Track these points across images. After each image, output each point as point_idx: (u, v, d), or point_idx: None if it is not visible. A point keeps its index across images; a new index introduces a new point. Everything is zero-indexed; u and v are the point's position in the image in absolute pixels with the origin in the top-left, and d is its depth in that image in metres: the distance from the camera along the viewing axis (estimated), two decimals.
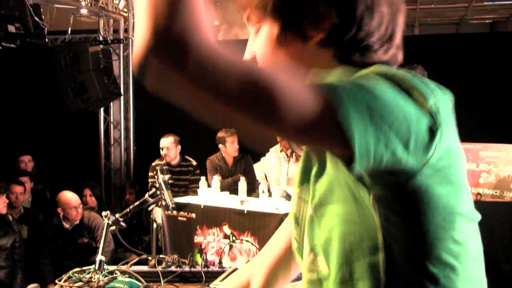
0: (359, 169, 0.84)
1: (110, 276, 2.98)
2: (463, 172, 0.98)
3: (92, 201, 7.31)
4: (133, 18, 9.30)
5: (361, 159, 0.82)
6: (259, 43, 1.10)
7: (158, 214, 6.48)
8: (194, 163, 7.19)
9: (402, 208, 0.93)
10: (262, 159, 7.20)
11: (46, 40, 7.27)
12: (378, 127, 0.82)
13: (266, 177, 7.05)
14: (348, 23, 1.02)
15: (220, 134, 7.02)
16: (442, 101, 0.90)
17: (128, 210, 3.51)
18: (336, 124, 0.80)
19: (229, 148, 6.99)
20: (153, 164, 7.09)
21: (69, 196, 6.04)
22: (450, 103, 0.93)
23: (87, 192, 7.32)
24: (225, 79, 0.75)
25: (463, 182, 0.98)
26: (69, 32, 8.33)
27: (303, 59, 1.06)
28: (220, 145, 7.03)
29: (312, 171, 1.11)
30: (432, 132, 0.87)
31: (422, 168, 0.89)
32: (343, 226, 1.01)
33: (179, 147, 7.10)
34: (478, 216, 1.04)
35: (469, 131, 6.75)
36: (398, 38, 1.09)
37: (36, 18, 6.88)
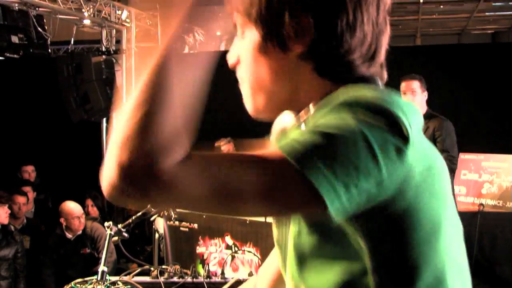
0: (339, 218, 0.85)
1: (112, 286, 2.98)
2: (447, 183, 0.99)
3: (94, 211, 7.30)
4: (136, 29, 9.33)
5: (336, 212, 0.83)
6: (243, 46, 1.10)
7: (160, 224, 6.46)
8: None
9: (389, 231, 0.93)
10: None
11: (49, 50, 7.30)
12: (345, 176, 0.82)
13: None
14: (327, 38, 1.02)
15: (216, 144, 7.04)
16: (412, 118, 0.90)
17: (131, 220, 3.51)
18: (304, 188, 0.82)
19: None
20: None
21: (72, 206, 6.04)
22: (420, 118, 0.94)
23: (89, 202, 7.31)
24: (196, 198, 0.82)
25: (446, 192, 0.99)
26: (72, 42, 8.37)
27: (283, 69, 1.06)
28: None
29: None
30: (404, 151, 0.87)
31: (402, 190, 0.89)
32: (327, 253, 1.00)
33: None
34: (461, 227, 1.05)
35: (472, 142, 6.75)
36: (381, 57, 1.09)
37: (39, 28, 6.91)
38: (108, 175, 0.78)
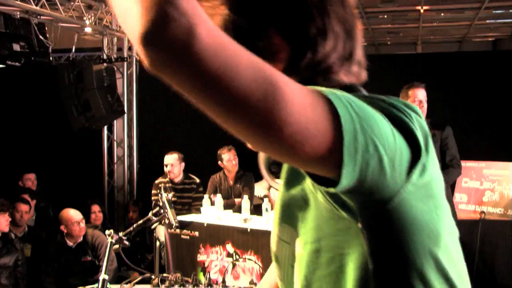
0: (346, 179, 0.82)
1: None
2: (442, 186, 0.99)
3: (99, 218, 7.31)
4: None
5: (349, 160, 0.81)
6: None
7: (161, 232, 6.46)
8: (198, 180, 7.19)
9: (389, 229, 0.93)
10: None
11: (51, 58, 7.32)
12: (367, 134, 0.82)
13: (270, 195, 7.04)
14: (302, 50, 1.02)
15: (218, 152, 7.05)
16: (418, 120, 0.92)
17: (132, 228, 3.51)
18: (329, 125, 0.80)
19: (226, 165, 7.01)
20: (156, 182, 7.08)
21: (71, 212, 6.04)
22: (424, 120, 0.94)
23: (96, 208, 7.30)
24: (235, 68, 0.73)
25: (442, 195, 0.99)
26: (73, 50, 8.38)
27: None
28: (219, 162, 7.06)
29: (294, 211, 1.09)
30: (414, 152, 0.89)
31: (406, 185, 0.90)
32: (335, 261, 1.00)
33: (183, 164, 7.11)
34: (457, 232, 1.05)
35: (473, 150, 6.76)
36: (358, 55, 1.08)
37: (40, 36, 6.93)
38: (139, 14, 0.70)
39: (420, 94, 5.29)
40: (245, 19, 1.02)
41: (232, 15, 1.02)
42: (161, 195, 3.95)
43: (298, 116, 0.77)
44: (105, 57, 8.83)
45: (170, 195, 4.02)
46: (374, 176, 0.85)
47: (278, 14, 1.02)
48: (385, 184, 0.87)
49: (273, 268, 1.52)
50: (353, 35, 1.07)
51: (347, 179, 0.82)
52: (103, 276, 3.04)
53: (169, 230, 6.19)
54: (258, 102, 0.74)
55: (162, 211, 3.81)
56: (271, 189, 6.73)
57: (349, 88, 1.04)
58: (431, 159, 0.94)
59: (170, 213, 3.84)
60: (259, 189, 7.32)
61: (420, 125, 0.92)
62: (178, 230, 6.06)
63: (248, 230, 5.70)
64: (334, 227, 0.99)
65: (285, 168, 1.16)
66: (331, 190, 0.85)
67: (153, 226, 4.62)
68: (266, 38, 1.02)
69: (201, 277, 5.66)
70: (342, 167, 0.81)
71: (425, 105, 5.30)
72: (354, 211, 0.93)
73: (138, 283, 3.23)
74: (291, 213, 1.10)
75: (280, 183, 1.17)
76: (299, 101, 0.78)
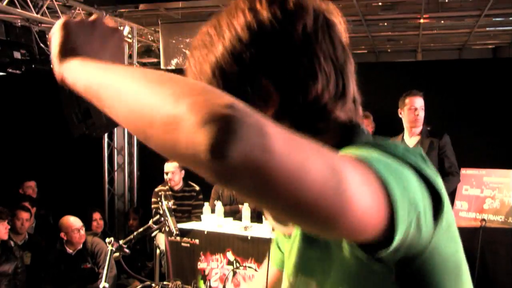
0: (396, 243, 0.80)
1: None
2: (454, 221, 0.99)
3: (101, 225, 7.31)
4: (137, 44, 9.36)
5: (400, 226, 0.79)
6: None
7: (161, 240, 6.46)
8: (197, 188, 7.18)
9: (423, 278, 0.93)
10: None
11: (51, 66, 7.32)
12: (408, 196, 0.81)
13: None
14: (292, 93, 1.00)
15: None
16: (429, 167, 0.91)
17: (132, 236, 3.51)
18: (381, 195, 0.77)
19: None
20: (156, 190, 7.08)
21: (71, 219, 6.05)
22: (431, 164, 0.94)
23: (97, 215, 7.31)
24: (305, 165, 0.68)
25: (457, 232, 0.99)
26: None
27: None
28: None
29: (315, 264, 1.06)
30: (437, 200, 0.88)
31: (436, 233, 0.89)
32: None
33: (183, 172, 7.11)
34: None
35: (473, 157, 6.75)
36: (352, 92, 1.06)
37: (41, 44, 6.94)
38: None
39: (416, 102, 5.31)
40: (234, 66, 1.00)
41: (220, 63, 1.01)
42: (162, 203, 3.95)
43: (360, 199, 0.73)
44: None
45: (170, 203, 4.02)
46: (414, 233, 0.84)
47: (265, 59, 1.00)
48: (421, 236, 0.87)
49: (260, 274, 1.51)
50: (345, 72, 1.04)
51: (396, 242, 0.81)
52: (103, 284, 3.03)
53: (169, 237, 6.19)
54: (328, 197, 0.70)
55: (162, 219, 3.81)
56: None
57: (352, 129, 1.04)
58: (448, 201, 0.93)
59: (170, 221, 3.84)
60: None
61: (432, 169, 0.92)
62: (178, 238, 6.05)
63: (249, 237, 5.69)
64: (364, 282, 0.96)
65: None
66: (381, 254, 0.82)
67: (153, 234, 4.62)
68: (256, 84, 1.00)
69: (202, 285, 5.67)
70: (395, 233, 0.79)
71: (421, 113, 5.32)
72: (388, 265, 0.91)
73: None
74: (311, 265, 1.07)
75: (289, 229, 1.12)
76: (359, 183, 0.74)
